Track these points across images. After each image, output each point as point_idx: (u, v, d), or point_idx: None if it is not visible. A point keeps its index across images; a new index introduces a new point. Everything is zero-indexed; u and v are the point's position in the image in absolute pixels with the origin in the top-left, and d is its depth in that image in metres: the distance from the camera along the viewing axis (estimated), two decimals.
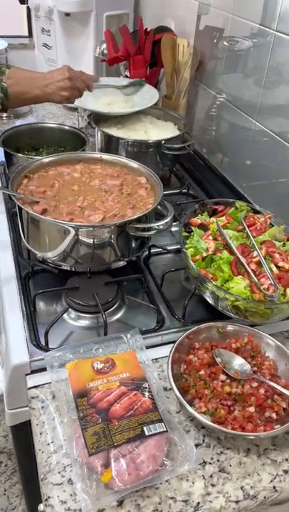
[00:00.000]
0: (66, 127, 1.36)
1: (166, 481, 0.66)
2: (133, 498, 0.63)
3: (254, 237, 0.94)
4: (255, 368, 0.79)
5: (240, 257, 0.87)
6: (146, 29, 1.55)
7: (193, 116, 1.57)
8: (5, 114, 1.81)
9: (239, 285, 0.82)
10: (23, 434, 0.84)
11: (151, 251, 1.08)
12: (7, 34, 2.14)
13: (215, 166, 1.44)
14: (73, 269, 0.94)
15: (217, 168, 1.43)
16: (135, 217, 0.91)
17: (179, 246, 1.08)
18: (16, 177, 0.99)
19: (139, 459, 0.64)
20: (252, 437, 0.69)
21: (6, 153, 1.23)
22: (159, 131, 1.37)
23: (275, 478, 0.68)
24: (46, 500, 0.64)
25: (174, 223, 1.11)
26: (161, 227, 0.94)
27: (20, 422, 0.84)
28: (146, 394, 0.72)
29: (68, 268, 0.94)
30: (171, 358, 0.77)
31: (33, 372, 0.80)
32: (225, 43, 1.32)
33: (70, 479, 0.65)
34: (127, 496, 0.63)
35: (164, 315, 0.91)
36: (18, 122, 1.77)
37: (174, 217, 1.05)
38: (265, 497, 0.66)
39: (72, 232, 0.87)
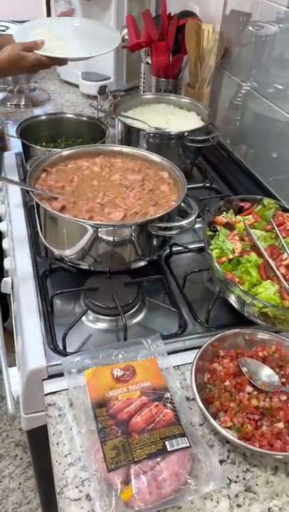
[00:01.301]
0: (85, 118, 1.32)
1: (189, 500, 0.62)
2: None
3: (283, 237, 0.89)
4: (284, 379, 0.74)
5: (269, 259, 0.82)
6: (170, 14, 1.48)
7: (217, 105, 1.51)
8: (23, 103, 1.77)
9: (268, 290, 0.77)
10: (39, 438, 0.82)
11: (173, 249, 1.03)
12: (25, 19, 2.08)
13: (239, 159, 1.39)
14: (92, 269, 0.91)
15: (242, 161, 1.37)
16: (157, 216, 0.86)
17: (201, 244, 1.03)
18: (34, 171, 0.95)
19: (161, 476, 0.61)
20: (280, 457, 0.65)
21: (23, 145, 1.19)
22: (182, 121, 1.32)
23: None
24: None
25: (197, 219, 1.06)
26: (185, 226, 0.89)
27: (37, 426, 0.81)
28: (168, 405, 0.69)
29: (87, 267, 0.91)
30: (194, 367, 0.74)
31: (50, 377, 0.77)
32: (252, 28, 1.25)
33: (88, 495, 0.62)
34: None
35: (187, 318, 0.87)
36: (36, 111, 1.73)
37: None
38: None
39: (92, 230, 0.83)
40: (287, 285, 0.78)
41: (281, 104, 1.16)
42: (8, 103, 1.75)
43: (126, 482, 0.61)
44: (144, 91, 1.71)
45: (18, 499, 1.52)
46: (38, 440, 0.82)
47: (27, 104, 1.77)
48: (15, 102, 1.77)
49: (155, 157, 1.04)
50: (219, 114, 1.50)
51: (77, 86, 1.89)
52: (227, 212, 0.97)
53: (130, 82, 1.88)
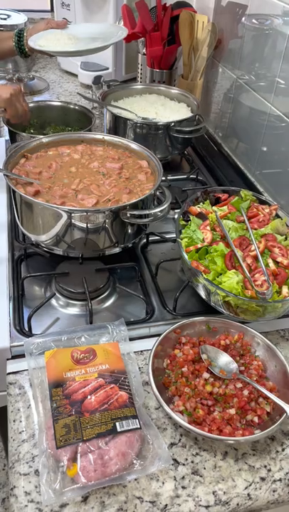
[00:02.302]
0: (73, 106, 1.32)
1: (136, 480, 0.63)
2: (98, 495, 0.62)
3: (255, 229, 0.89)
4: (243, 368, 0.75)
5: (235, 249, 0.82)
6: (165, 4, 1.48)
7: (211, 97, 1.50)
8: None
9: (231, 280, 0.78)
10: (4, 417, 0.83)
11: (150, 238, 1.04)
12: (29, 8, 2.10)
13: (228, 152, 1.38)
14: (66, 254, 0.92)
15: (230, 154, 1.37)
16: (129, 203, 0.87)
17: None
18: (13, 156, 0.97)
19: (108, 455, 0.62)
20: (231, 442, 0.66)
21: (10, 132, 1.21)
22: (171, 112, 1.32)
23: (250, 485, 0.64)
24: (12, 489, 0.63)
25: (178, 210, 1.07)
26: (158, 214, 0.90)
27: (2, 405, 0.83)
28: (124, 388, 0.70)
29: (61, 253, 0.92)
30: (153, 352, 0.74)
31: (14, 357, 0.78)
32: (246, 20, 1.24)
33: (37, 470, 0.64)
34: (93, 492, 0.62)
35: (155, 306, 0.88)
36: (36, 99, 1.74)
37: (177, 204, 1.00)
38: (238, 504, 0.63)
39: (65, 216, 0.85)
40: (249, 275, 0.78)
41: (269, 98, 1.16)
42: None
43: (73, 459, 0.62)
44: (141, 82, 1.71)
45: (1, 480, 1.55)
46: (4, 419, 0.84)
47: (25, 93, 1.78)
48: None
49: (135, 146, 1.05)
50: (213, 106, 1.50)
51: (76, 76, 1.89)
52: (203, 203, 0.97)
53: (130, 73, 1.88)
